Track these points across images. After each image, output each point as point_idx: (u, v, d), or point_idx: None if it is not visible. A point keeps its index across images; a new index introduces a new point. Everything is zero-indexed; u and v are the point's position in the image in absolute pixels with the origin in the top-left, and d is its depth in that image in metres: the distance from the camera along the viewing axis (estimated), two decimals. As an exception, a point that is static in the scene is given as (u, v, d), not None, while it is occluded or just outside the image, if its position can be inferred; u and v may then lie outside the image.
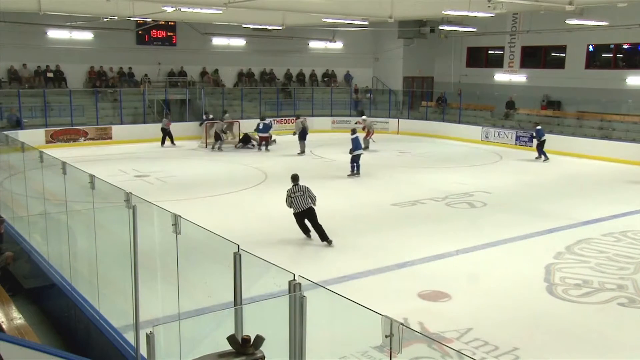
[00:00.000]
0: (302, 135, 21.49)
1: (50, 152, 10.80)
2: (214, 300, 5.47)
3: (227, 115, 24.36)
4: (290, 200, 10.57)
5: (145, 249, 5.73)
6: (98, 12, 20.26)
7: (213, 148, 22.29)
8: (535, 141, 21.12)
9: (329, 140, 24.86)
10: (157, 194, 13.83)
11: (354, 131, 17.35)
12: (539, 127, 20.99)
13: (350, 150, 16.86)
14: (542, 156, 20.52)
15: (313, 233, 10.70)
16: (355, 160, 16.98)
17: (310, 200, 10.54)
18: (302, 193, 10.52)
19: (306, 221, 10.70)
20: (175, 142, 23.20)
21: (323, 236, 10.54)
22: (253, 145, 22.62)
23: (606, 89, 23.62)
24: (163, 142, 23.14)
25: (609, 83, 23.70)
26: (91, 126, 23.46)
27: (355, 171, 17.08)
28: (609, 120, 22.83)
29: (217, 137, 22.27)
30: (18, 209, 10.60)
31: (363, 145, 18.47)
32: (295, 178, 10.75)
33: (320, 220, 10.54)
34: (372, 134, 22.71)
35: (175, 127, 23.76)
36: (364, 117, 24.19)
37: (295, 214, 10.67)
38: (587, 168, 19.49)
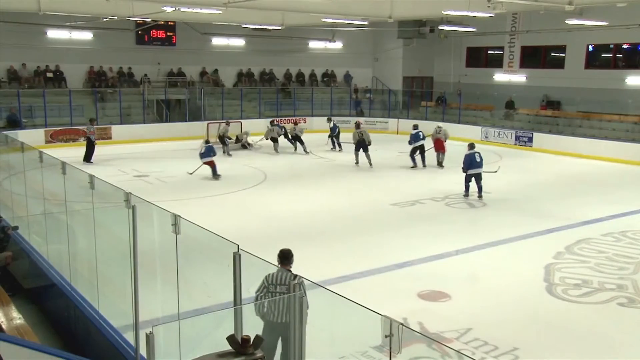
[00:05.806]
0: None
1: (50, 152, 10.78)
2: (214, 300, 5.49)
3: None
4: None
5: (145, 249, 5.73)
6: (98, 12, 20.25)
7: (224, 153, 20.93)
8: None
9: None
10: (157, 194, 13.82)
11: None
12: None
13: None
14: None
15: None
16: None
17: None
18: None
19: None
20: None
21: None
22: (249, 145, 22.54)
23: (606, 89, 23.58)
24: (87, 158, 18.61)
25: (609, 83, 23.67)
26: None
27: None
28: (608, 120, 22.79)
29: (223, 141, 21.03)
30: (18, 209, 10.59)
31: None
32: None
33: (320, 219, 10.56)
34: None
35: (175, 128, 23.71)
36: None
37: None
38: (587, 168, 19.47)
